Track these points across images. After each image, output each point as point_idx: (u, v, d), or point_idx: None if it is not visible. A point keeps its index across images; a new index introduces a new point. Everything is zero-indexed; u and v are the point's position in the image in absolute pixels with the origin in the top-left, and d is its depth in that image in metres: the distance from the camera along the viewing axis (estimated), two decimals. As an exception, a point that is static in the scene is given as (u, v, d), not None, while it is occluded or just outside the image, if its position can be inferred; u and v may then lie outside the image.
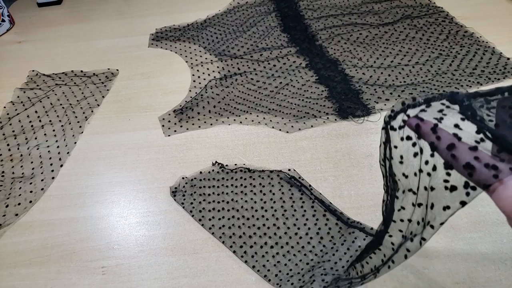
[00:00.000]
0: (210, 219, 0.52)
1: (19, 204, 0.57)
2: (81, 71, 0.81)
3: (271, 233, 0.50)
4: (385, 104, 0.66)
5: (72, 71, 0.81)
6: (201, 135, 0.65)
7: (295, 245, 0.49)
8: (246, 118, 0.67)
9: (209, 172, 0.58)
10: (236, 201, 0.54)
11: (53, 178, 0.60)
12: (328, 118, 0.65)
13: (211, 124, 0.66)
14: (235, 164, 0.58)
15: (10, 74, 0.83)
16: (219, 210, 0.53)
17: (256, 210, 0.53)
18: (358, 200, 0.53)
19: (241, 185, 0.56)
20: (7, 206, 0.57)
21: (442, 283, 0.44)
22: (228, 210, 0.53)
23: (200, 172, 0.58)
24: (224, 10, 0.96)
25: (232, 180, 0.56)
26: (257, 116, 0.67)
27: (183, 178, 0.57)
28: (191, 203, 0.54)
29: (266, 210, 0.52)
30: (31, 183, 0.60)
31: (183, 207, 0.54)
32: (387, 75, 0.72)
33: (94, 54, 0.87)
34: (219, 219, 0.52)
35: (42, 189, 0.59)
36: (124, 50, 0.87)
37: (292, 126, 0.64)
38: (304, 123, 0.64)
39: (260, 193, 0.54)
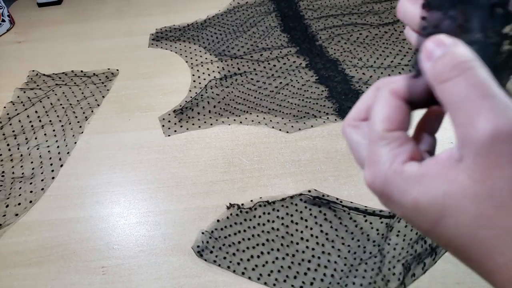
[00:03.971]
0: (253, 269, 0.46)
1: (19, 204, 0.57)
2: (81, 71, 0.81)
3: (325, 262, 0.46)
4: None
5: (72, 71, 0.81)
6: (201, 135, 0.65)
7: (357, 266, 0.45)
8: (246, 118, 0.67)
9: (227, 217, 0.52)
10: (272, 240, 0.49)
11: (53, 178, 0.60)
12: (328, 118, 0.65)
13: (211, 124, 0.66)
14: (251, 201, 0.54)
15: (10, 74, 0.83)
16: (258, 256, 0.47)
17: (297, 243, 0.48)
18: (358, 200, 0.53)
19: (268, 221, 0.50)
20: (7, 206, 0.57)
21: (442, 283, 0.44)
22: (268, 253, 0.48)
23: (218, 221, 0.52)
24: (224, 10, 0.96)
25: (256, 218, 0.51)
26: (257, 116, 0.67)
27: (202, 233, 0.51)
28: (225, 258, 0.48)
29: (307, 240, 0.48)
30: (31, 183, 0.60)
31: (219, 265, 0.47)
32: (387, 75, 0.72)
33: (94, 54, 0.87)
34: (263, 265, 0.47)
35: (42, 189, 0.59)
36: (124, 50, 0.87)
37: (292, 126, 0.64)
38: (304, 123, 0.64)
39: (292, 224, 0.50)
